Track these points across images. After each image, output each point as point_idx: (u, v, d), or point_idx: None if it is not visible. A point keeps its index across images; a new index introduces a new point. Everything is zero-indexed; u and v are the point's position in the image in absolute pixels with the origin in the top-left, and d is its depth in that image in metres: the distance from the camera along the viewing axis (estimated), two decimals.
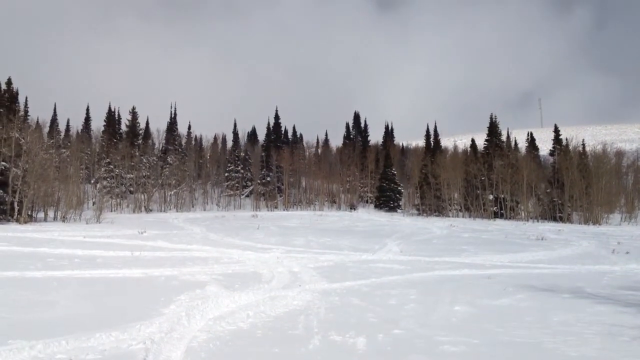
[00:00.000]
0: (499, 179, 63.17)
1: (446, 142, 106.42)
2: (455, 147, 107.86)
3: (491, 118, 71.15)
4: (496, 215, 62.42)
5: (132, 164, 74.92)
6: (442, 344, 7.47)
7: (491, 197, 63.91)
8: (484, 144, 72.35)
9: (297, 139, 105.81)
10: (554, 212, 60.24)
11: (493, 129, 70.80)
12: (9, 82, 51.34)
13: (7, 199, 38.14)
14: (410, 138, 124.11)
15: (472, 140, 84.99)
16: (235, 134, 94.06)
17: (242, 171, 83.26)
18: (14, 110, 46.13)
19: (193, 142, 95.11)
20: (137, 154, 77.17)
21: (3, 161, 38.62)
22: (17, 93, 52.93)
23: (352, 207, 78.23)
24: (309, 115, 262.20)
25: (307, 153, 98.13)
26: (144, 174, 75.11)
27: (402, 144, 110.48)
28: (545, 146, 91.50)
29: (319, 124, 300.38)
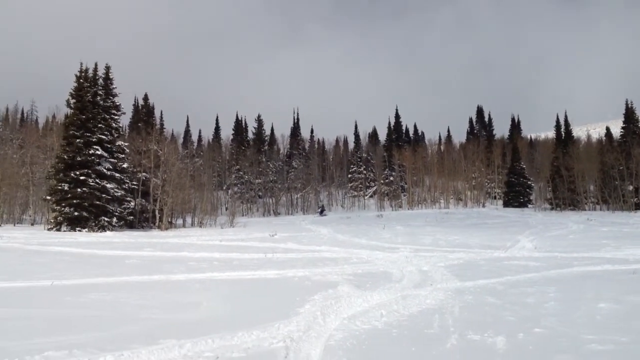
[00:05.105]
0: (639, 168, 58.60)
1: (578, 131, 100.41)
2: (589, 137, 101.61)
3: (627, 104, 66.19)
4: (637, 206, 57.90)
5: (260, 169, 77.82)
6: (589, 342, 7.01)
7: (631, 187, 59.40)
8: (620, 131, 67.55)
9: (419, 137, 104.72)
10: None
11: (630, 116, 65.75)
12: (145, 98, 55.26)
13: (149, 207, 41.01)
14: (540, 130, 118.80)
15: (607, 129, 79.69)
16: (357, 135, 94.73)
17: (364, 172, 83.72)
18: (151, 124, 49.63)
19: (316, 146, 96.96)
20: (264, 159, 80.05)
21: (144, 172, 41.54)
22: (153, 107, 56.85)
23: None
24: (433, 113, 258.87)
25: (430, 150, 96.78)
26: (271, 179, 77.81)
27: (530, 137, 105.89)
28: None
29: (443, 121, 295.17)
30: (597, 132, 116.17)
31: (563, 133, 75.64)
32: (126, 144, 41.49)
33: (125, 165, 39.32)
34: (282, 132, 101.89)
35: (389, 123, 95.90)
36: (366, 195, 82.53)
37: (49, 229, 35.32)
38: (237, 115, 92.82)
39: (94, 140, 36.53)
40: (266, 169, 79.15)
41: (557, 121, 76.68)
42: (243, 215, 66.60)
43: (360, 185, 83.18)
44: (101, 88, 38.97)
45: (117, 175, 37.53)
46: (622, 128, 66.99)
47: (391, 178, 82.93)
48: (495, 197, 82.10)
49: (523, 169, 75.96)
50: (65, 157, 35.86)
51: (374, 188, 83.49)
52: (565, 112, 76.47)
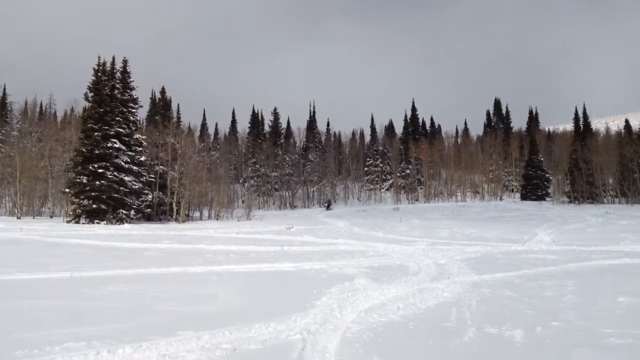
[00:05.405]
0: None
1: (596, 124, 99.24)
2: (608, 130, 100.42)
3: None
4: None
5: (276, 162, 77.95)
6: (607, 336, 6.94)
7: None
8: None
9: (436, 130, 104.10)
10: None
11: None
12: (162, 91, 55.47)
13: (166, 200, 41.27)
14: (558, 122, 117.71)
15: (626, 121, 78.76)
16: (373, 128, 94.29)
17: (381, 165, 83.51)
18: (168, 117, 49.79)
19: (332, 139, 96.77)
20: (280, 152, 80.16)
21: (161, 165, 41.77)
22: (170, 101, 57.02)
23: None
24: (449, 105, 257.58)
25: (446, 143, 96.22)
26: (287, 172, 77.91)
27: (548, 129, 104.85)
28: None
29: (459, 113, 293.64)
30: (616, 124, 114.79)
31: (582, 125, 74.86)
32: (144, 137, 41.74)
33: (142, 158, 39.56)
34: (298, 126, 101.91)
35: (406, 116, 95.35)
36: (382, 189, 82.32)
37: (67, 222, 35.68)
38: (253, 108, 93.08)
39: (112, 133, 36.79)
40: (282, 162, 79.26)
41: (576, 113, 75.89)
42: (259, 208, 66.79)
43: (376, 179, 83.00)
44: (119, 81, 39.20)
45: (134, 168, 37.77)
46: None
47: (407, 171, 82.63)
48: (512, 190, 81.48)
49: (541, 161, 75.27)
50: (83, 150, 36.16)
51: (390, 181, 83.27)
52: (584, 105, 75.70)
